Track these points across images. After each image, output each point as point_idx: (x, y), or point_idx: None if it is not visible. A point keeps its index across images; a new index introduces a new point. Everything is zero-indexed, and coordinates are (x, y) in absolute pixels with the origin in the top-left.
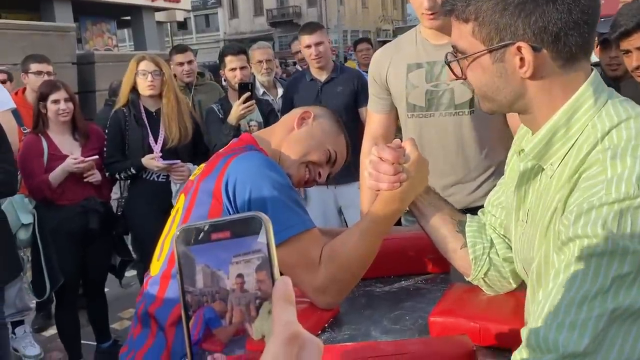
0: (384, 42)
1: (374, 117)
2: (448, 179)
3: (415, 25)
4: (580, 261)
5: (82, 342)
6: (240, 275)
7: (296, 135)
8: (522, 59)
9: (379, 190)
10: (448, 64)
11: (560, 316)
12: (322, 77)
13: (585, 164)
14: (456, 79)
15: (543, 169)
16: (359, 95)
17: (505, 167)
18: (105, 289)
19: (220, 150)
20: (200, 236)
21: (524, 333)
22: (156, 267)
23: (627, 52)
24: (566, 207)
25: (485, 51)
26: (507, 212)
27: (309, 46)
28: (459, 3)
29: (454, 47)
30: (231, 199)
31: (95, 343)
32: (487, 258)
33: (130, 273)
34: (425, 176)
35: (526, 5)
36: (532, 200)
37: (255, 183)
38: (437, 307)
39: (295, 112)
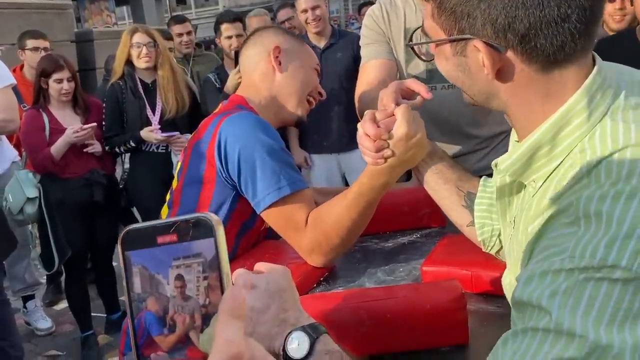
0: None
1: (371, 63)
2: (453, 151)
3: None
4: (525, 333)
5: (92, 314)
6: (180, 279)
7: (285, 76)
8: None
9: None
10: (410, 45)
11: None
12: (321, 43)
13: (565, 202)
14: (425, 61)
15: (524, 184)
16: (357, 54)
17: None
18: (114, 263)
19: (211, 114)
20: (145, 239)
21: None
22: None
23: None
24: (533, 252)
25: (445, 41)
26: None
27: (305, 10)
28: None
29: (423, 28)
30: (222, 161)
31: (105, 315)
32: (497, 240)
33: None
34: (421, 149)
35: None
36: (517, 207)
37: (245, 145)
38: (430, 257)
39: (260, 54)
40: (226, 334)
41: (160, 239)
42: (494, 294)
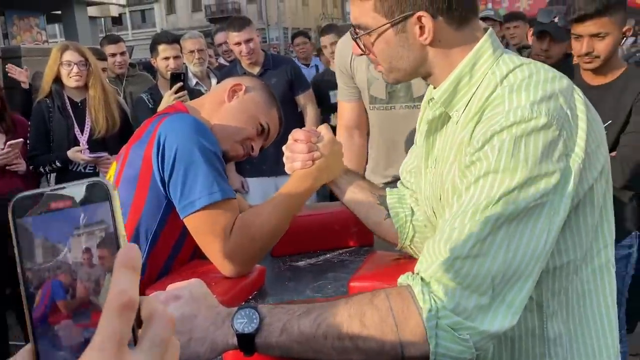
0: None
1: (344, 106)
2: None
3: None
4: (478, 181)
5: (10, 342)
6: (86, 250)
7: (227, 109)
8: (421, 28)
9: None
10: (355, 40)
11: (454, 228)
12: (255, 70)
13: (487, 102)
14: (361, 54)
15: (450, 118)
16: (294, 83)
17: (416, 134)
18: None
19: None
20: (38, 205)
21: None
22: None
23: (579, 37)
24: (472, 138)
25: (389, 24)
26: (417, 165)
27: (238, 43)
28: None
29: (355, 25)
30: (159, 158)
31: (24, 343)
32: (411, 225)
33: None
34: (340, 158)
35: None
36: (439, 147)
37: (183, 144)
38: (357, 274)
39: (227, 84)
40: (120, 284)
41: (53, 205)
42: None
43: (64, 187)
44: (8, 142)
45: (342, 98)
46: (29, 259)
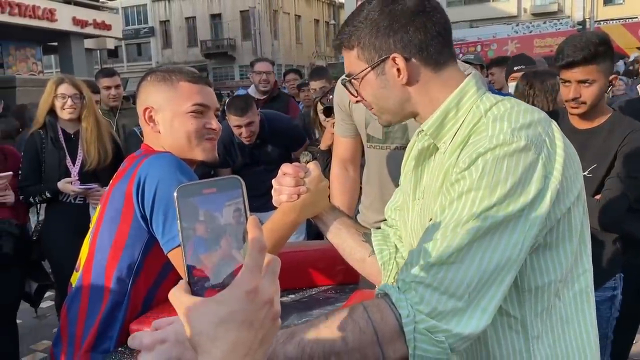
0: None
1: (341, 140)
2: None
3: None
4: (461, 197)
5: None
6: (232, 215)
7: (164, 132)
8: (398, 70)
9: None
10: (345, 86)
11: (436, 239)
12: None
13: (473, 131)
14: (356, 101)
15: (437, 149)
16: (289, 144)
17: (401, 175)
18: (18, 320)
19: (131, 155)
20: (195, 191)
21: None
22: (75, 277)
23: (566, 82)
24: (458, 161)
25: (369, 68)
26: (402, 202)
27: (239, 126)
28: (344, 36)
29: (347, 74)
30: (139, 194)
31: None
32: (394, 262)
33: (47, 304)
34: (326, 194)
35: (392, 27)
36: (427, 178)
37: (163, 181)
38: None
39: (140, 114)
40: (257, 235)
41: (205, 191)
42: None
43: (213, 180)
44: None
45: (339, 133)
46: (191, 225)
